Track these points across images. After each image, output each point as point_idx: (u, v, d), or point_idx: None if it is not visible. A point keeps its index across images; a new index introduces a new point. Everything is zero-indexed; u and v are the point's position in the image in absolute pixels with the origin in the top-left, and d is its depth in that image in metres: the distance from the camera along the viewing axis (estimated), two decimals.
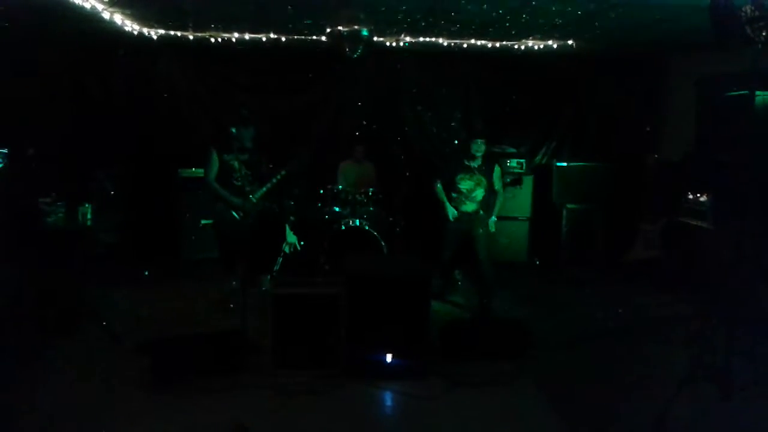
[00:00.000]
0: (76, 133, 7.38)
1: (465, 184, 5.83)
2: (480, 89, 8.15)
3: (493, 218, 5.92)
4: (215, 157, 5.52)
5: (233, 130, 5.23)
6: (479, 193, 5.84)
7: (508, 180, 6.53)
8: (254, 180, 5.65)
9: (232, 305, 5.65)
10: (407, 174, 7.86)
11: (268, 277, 6.22)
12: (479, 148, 5.72)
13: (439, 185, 5.96)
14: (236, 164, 5.43)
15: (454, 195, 5.90)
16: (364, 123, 7.98)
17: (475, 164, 5.79)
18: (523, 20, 5.72)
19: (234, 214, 5.55)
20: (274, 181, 5.65)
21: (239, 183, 5.54)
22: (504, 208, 7.25)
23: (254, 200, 5.59)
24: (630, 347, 5.06)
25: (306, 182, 7.26)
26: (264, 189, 5.65)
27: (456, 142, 8.02)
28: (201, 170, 7.17)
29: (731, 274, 4.00)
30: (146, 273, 6.58)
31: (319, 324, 4.30)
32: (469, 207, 5.87)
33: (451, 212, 5.88)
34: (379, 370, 4.29)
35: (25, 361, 4.38)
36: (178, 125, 7.68)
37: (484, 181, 5.81)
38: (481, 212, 5.90)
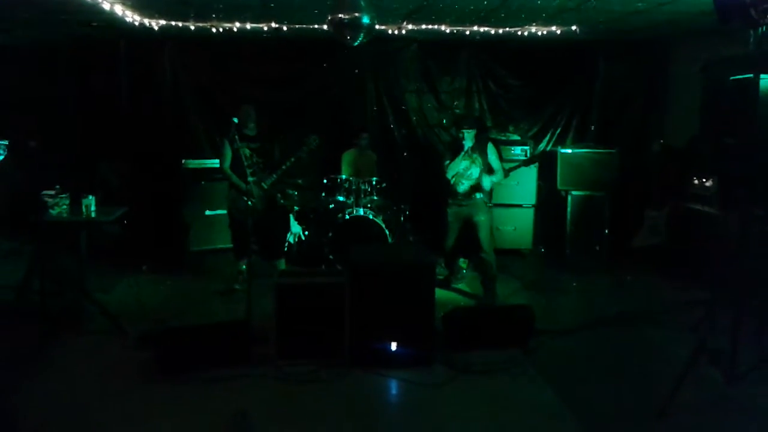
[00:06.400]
0: (79, 125, 7.39)
1: (461, 165, 5.80)
2: (483, 76, 8.09)
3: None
4: (227, 147, 5.77)
5: (234, 120, 5.28)
6: (474, 172, 5.81)
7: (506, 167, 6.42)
8: (265, 167, 5.89)
9: (238, 286, 5.83)
10: (411, 162, 7.83)
11: (283, 260, 6.34)
12: (467, 137, 5.72)
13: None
14: (247, 152, 5.68)
15: (452, 177, 5.88)
16: (368, 111, 7.94)
17: (468, 144, 5.77)
18: (525, 6, 5.67)
19: (246, 200, 5.62)
20: (284, 168, 5.87)
21: (250, 170, 5.71)
22: (508, 195, 7.36)
23: (266, 187, 5.84)
24: (635, 333, 5.07)
25: (310, 172, 7.29)
26: (274, 176, 5.88)
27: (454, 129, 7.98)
28: (204, 161, 7.31)
29: (737, 260, 3.98)
30: (144, 268, 6.58)
31: (324, 314, 4.31)
32: (465, 185, 5.84)
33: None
34: (383, 359, 4.30)
35: (30, 353, 4.41)
36: (181, 117, 7.67)
37: (479, 159, 5.80)
38: (479, 195, 5.88)
